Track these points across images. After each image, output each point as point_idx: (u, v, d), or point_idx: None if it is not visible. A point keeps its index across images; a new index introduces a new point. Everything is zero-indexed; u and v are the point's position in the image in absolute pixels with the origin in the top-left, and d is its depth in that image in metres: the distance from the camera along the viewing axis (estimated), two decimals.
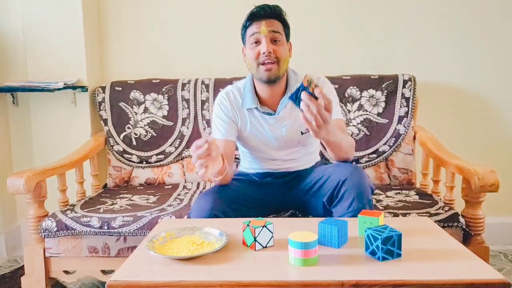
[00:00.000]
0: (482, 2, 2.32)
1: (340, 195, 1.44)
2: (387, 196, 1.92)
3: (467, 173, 1.65)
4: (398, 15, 2.36)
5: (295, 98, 1.27)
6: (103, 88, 2.31)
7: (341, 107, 2.15)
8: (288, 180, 1.70)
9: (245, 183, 1.68)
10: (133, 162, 2.26)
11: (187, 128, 2.26)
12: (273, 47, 1.52)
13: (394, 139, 2.16)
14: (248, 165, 1.78)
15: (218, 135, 1.64)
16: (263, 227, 1.13)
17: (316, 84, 1.25)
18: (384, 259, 1.04)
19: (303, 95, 1.24)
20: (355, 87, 2.21)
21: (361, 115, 2.19)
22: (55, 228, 1.72)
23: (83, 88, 2.26)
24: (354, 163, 2.12)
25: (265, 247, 1.14)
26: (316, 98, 1.25)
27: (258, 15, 1.53)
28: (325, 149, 2.16)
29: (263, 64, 1.52)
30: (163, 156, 2.26)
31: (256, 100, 1.63)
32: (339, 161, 1.55)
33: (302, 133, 1.65)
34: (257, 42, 1.53)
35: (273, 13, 1.54)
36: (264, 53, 1.51)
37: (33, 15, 2.28)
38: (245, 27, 1.58)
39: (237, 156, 2.15)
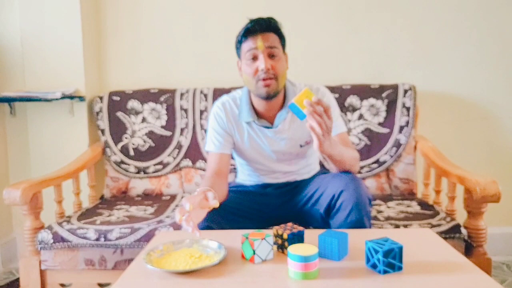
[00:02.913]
0: (482, 11, 2.32)
1: (338, 206, 1.41)
2: (388, 207, 1.90)
3: (468, 184, 1.64)
4: (398, 25, 2.36)
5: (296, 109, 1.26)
6: (101, 98, 2.29)
7: (341, 116, 2.13)
8: (287, 190, 1.68)
9: (242, 194, 1.64)
10: (131, 172, 2.24)
11: (186, 138, 2.25)
12: (271, 63, 1.48)
13: (395, 148, 2.15)
14: (246, 178, 1.76)
15: (212, 148, 1.61)
16: (262, 239, 1.11)
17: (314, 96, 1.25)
18: (385, 272, 1.02)
19: (306, 101, 1.23)
20: (355, 96, 2.19)
21: (361, 125, 2.18)
22: (51, 240, 1.69)
23: (81, 98, 2.24)
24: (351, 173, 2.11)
25: (264, 260, 1.12)
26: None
27: (253, 30, 1.48)
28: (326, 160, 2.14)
29: (262, 80, 1.48)
30: (161, 166, 2.24)
31: (254, 113, 1.59)
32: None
33: (301, 146, 1.63)
34: (254, 58, 1.49)
35: (268, 26, 1.50)
36: (262, 69, 1.47)
37: (31, 25, 2.28)
38: (240, 42, 1.53)
39: (234, 166, 2.14)
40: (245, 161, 1.70)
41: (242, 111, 1.61)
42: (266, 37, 1.48)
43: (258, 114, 1.61)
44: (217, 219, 1.42)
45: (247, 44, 1.50)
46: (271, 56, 1.49)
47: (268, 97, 1.52)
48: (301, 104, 1.24)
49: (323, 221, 1.50)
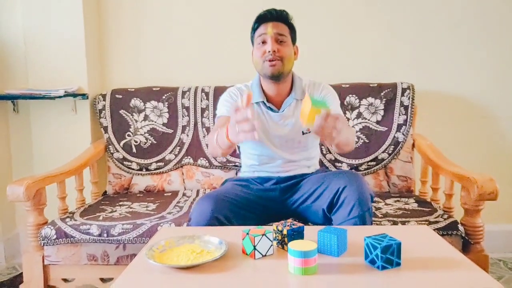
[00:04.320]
0: (481, 11, 2.33)
1: (340, 202, 1.45)
2: (386, 204, 1.92)
3: (466, 181, 1.65)
4: (397, 24, 2.37)
5: None
6: (104, 96, 2.31)
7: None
8: (289, 186, 1.70)
9: (246, 188, 1.69)
10: (133, 169, 2.26)
11: (187, 135, 2.27)
12: (278, 47, 1.61)
13: (393, 147, 2.17)
14: (248, 169, 1.79)
15: (224, 113, 1.69)
16: (262, 235, 1.13)
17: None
18: (383, 268, 1.04)
19: (317, 119, 1.18)
20: (354, 95, 2.21)
21: (360, 123, 2.20)
22: (54, 236, 1.71)
23: (84, 96, 2.26)
24: (353, 170, 2.13)
25: (265, 255, 1.14)
26: None
27: (265, 17, 1.63)
28: (320, 152, 2.16)
29: (268, 61, 1.60)
30: (163, 163, 2.26)
31: (263, 95, 1.70)
32: (341, 154, 1.58)
33: (303, 133, 1.69)
34: (264, 42, 1.63)
35: (280, 17, 1.64)
36: (269, 51, 1.59)
37: (34, 23, 2.29)
38: (253, 30, 1.67)
39: (236, 164, 2.16)
40: (248, 145, 1.74)
41: (254, 92, 1.70)
42: (276, 25, 1.63)
43: (267, 98, 1.71)
44: (224, 211, 1.46)
45: (259, 30, 1.65)
46: (279, 42, 1.62)
47: (273, 76, 1.62)
48: (308, 120, 1.20)
49: (325, 217, 1.52)
